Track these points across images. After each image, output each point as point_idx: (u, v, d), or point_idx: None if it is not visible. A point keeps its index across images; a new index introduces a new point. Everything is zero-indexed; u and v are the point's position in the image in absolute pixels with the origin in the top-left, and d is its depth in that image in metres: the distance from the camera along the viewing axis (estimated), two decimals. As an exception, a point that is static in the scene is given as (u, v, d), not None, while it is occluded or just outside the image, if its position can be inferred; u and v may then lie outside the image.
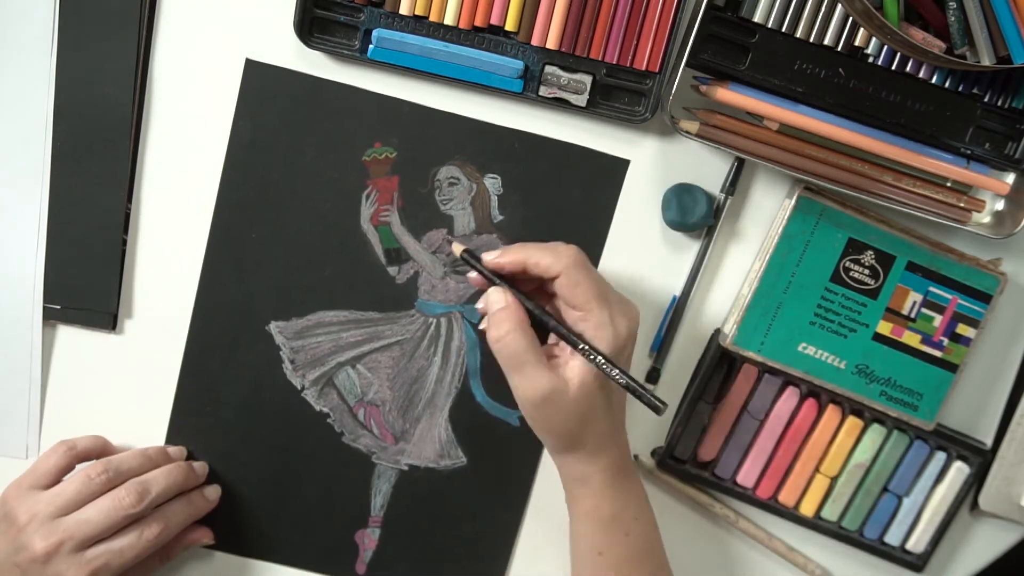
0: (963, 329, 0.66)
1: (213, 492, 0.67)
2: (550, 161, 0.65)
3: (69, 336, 0.66)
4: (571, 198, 0.66)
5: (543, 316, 0.57)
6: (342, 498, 0.69)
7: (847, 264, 0.65)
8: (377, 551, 0.70)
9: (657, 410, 0.56)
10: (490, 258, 0.59)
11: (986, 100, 0.62)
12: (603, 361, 0.56)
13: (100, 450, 0.65)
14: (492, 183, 0.66)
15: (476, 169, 0.65)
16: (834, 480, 0.69)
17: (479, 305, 0.59)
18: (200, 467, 0.67)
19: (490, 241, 0.66)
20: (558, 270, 0.56)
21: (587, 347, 0.56)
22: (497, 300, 0.58)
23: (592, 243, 0.67)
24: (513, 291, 0.58)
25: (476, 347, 0.68)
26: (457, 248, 0.61)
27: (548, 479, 0.70)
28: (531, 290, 0.60)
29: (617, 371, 0.56)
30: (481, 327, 0.59)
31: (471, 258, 0.60)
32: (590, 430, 0.58)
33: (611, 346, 0.56)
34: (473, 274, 0.60)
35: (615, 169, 0.66)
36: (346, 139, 0.64)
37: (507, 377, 0.57)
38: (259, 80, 0.63)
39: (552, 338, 0.59)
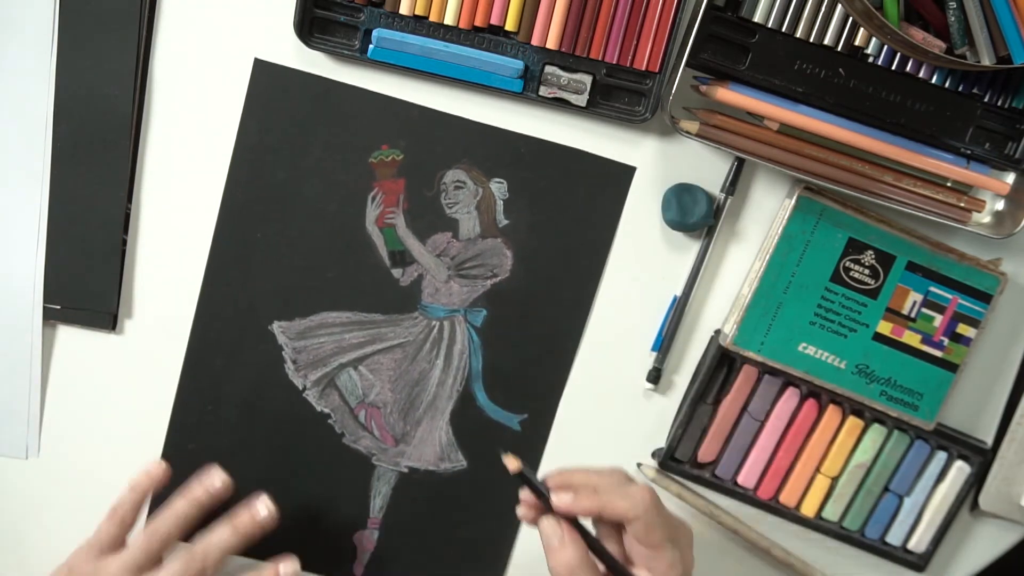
0: (963, 329, 0.66)
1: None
2: (556, 167, 0.65)
3: (69, 336, 0.66)
4: (576, 204, 0.66)
5: (610, 557, 0.55)
6: (341, 499, 0.69)
7: (847, 264, 0.65)
8: (375, 553, 0.70)
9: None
10: (562, 503, 0.54)
11: (986, 100, 0.62)
12: None
13: (142, 497, 0.62)
14: (498, 187, 0.66)
15: (482, 173, 0.65)
16: (835, 480, 0.69)
17: (541, 526, 0.55)
18: (264, 505, 0.63)
19: (495, 245, 0.66)
20: (636, 515, 0.54)
21: None
22: (555, 535, 0.54)
23: (597, 249, 0.67)
24: (569, 525, 0.54)
25: (478, 350, 0.68)
26: (513, 464, 0.54)
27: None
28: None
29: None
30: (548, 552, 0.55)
31: (532, 480, 0.55)
32: None
33: None
34: (525, 494, 0.56)
35: (621, 176, 0.66)
36: (353, 141, 0.64)
37: None
38: (267, 80, 0.63)
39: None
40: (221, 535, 0.60)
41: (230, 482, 0.63)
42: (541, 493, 0.55)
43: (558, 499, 0.54)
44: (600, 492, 0.55)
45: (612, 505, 0.54)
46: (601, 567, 0.55)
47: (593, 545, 0.55)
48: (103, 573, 0.58)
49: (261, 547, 0.70)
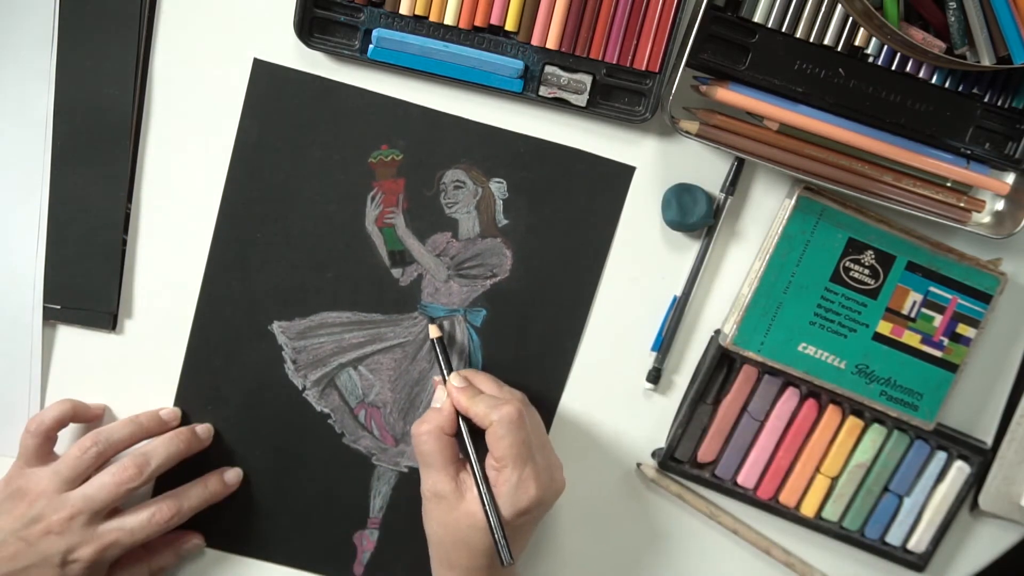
0: (963, 329, 0.66)
1: (233, 476, 0.68)
2: (556, 166, 0.65)
3: (69, 336, 0.66)
4: (576, 204, 0.66)
5: (468, 445, 0.60)
6: (341, 499, 0.69)
7: (847, 264, 0.65)
8: (375, 552, 0.70)
9: (502, 561, 0.58)
10: (452, 382, 0.62)
11: (986, 100, 0.62)
12: (492, 524, 0.58)
13: (71, 415, 0.64)
14: (498, 187, 0.66)
15: (482, 173, 0.65)
16: (835, 480, 0.69)
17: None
18: (204, 430, 0.67)
19: (494, 245, 0.66)
20: (488, 423, 0.59)
21: (484, 492, 0.58)
22: (437, 398, 0.63)
23: (596, 249, 0.67)
24: (451, 399, 0.62)
25: (478, 350, 0.68)
26: (434, 332, 0.65)
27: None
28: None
29: (494, 519, 0.58)
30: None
31: (439, 352, 0.64)
32: (464, 559, 0.60)
33: (508, 508, 0.58)
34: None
35: (620, 175, 0.66)
36: (353, 140, 0.64)
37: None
38: (267, 80, 0.63)
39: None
40: (167, 446, 0.64)
41: (178, 414, 0.67)
42: (444, 367, 0.63)
43: (452, 378, 0.62)
44: (477, 396, 0.61)
45: (476, 407, 0.60)
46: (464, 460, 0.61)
47: (464, 438, 0.61)
48: (36, 484, 0.61)
49: (259, 546, 0.70)
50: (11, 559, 0.59)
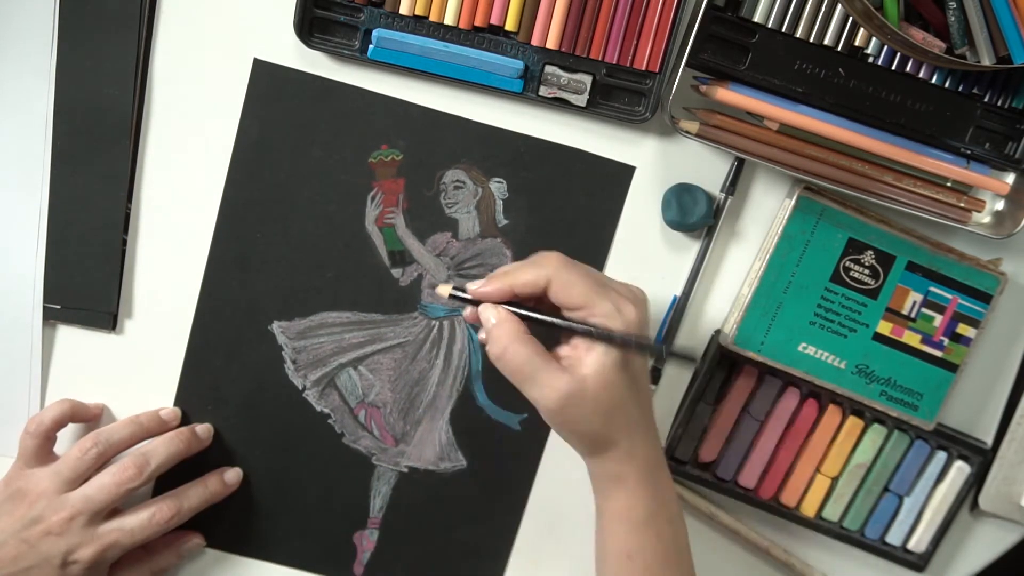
0: (963, 329, 0.66)
1: (233, 476, 0.68)
2: (556, 166, 0.65)
3: (69, 336, 0.66)
4: (576, 203, 0.66)
5: (545, 316, 0.56)
6: (341, 499, 0.69)
7: (847, 264, 0.65)
8: (375, 553, 0.70)
9: (694, 360, 0.54)
10: (474, 287, 0.57)
11: (986, 100, 0.62)
12: (621, 336, 0.53)
13: (70, 416, 0.65)
14: (497, 187, 0.66)
15: (482, 173, 0.65)
16: (835, 480, 0.69)
17: (480, 335, 0.58)
18: (203, 430, 0.67)
19: (494, 245, 0.66)
20: (546, 278, 0.55)
21: (599, 330, 0.54)
22: (488, 317, 0.56)
23: (597, 249, 0.67)
24: (504, 306, 0.56)
25: (478, 350, 0.68)
26: (444, 290, 0.58)
27: (547, 483, 0.70)
28: (531, 307, 0.58)
29: (636, 339, 0.53)
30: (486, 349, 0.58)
31: (459, 292, 0.58)
32: (619, 426, 0.56)
33: (622, 330, 0.54)
34: (468, 310, 0.58)
35: (620, 175, 0.66)
36: (353, 140, 0.64)
37: (523, 392, 0.55)
38: (267, 80, 0.63)
39: (559, 343, 0.57)
40: (167, 446, 0.64)
41: (179, 414, 0.67)
42: (469, 300, 0.57)
43: (474, 286, 0.57)
44: (509, 271, 0.56)
45: (521, 277, 0.55)
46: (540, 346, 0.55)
47: (531, 320, 0.56)
48: (36, 485, 0.61)
49: (260, 546, 0.70)
50: (12, 560, 0.59)
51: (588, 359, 0.54)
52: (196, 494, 0.65)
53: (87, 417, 0.66)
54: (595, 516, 0.60)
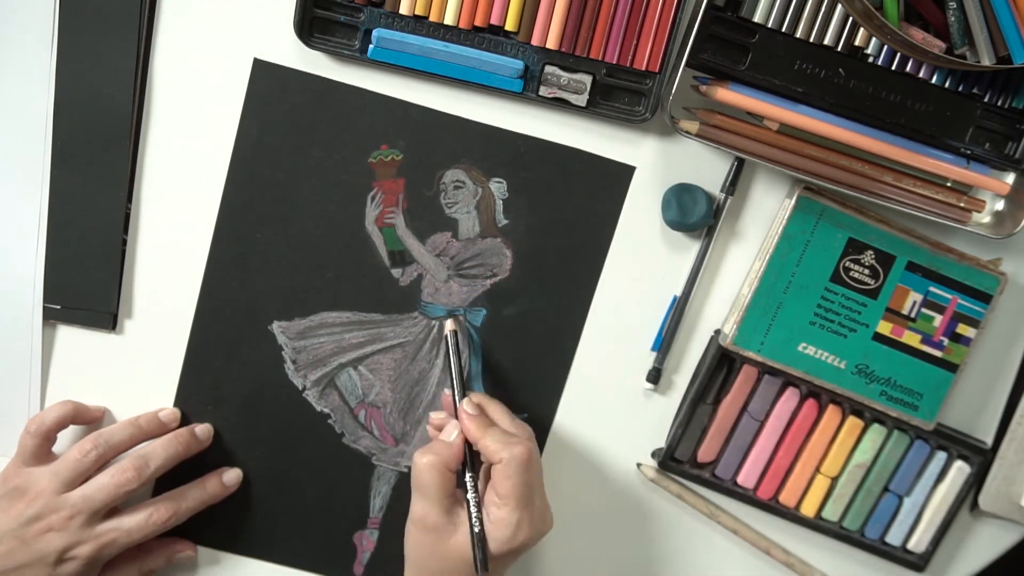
0: (963, 329, 0.66)
1: (232, 477, 0.68)
2: (556, 166, 0.65)
3: (69, 336, 0.66)
4: (576, 203, 0.66)
5: (469, 480, 0.60)
6: (341, 499, 0.69)
7: (847, 264, 0.65)
8: (375, 553, 0.70)
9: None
10: (465, 408, 0.62)
11: (986, 100, 0.62)
12: (477, 544, 0.58)
13: (71, 417, 0.65)
14: (497, 187, 0.66)
15: (482, 173, 0.65)
16: (835, 480, 0.69)
17: (430, 427, 0.66)
18: (203, 431, 0.67)
19: (494, 245, 0.66)
20: (497, 460, 0.58)
21: (477, 533, 0.58)
22: (446, 434, 0.61)
23: (596, 249, 0.67)
24: (464, 440, 0.61)
25: (478, 351, 0.68)
26: (450, 325, 0.64)
27: (547, 483, 0.69)
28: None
29: (480, 557, 0.57)
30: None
31: (452, 355, 0.64)
32: None
33: (500, 546, 0.58)
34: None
35: (620, 175, 0.66)
36: (353, 140, 0.64)
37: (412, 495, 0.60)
38: (267, 80, 0.63)
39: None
40: (166, 448, 0.64)
41: (178, 415, 0.67)
42: (456, 378, 0.63)
43: (464, 404, 0.62)
44: (489, 428, 0.60)
45: (488, 441, 0.59)
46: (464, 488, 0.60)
47: (467, 474, 0.60)
48: (35, 483, 0.61)
49: (259, 546, 0.70)
50: (5, 556, 0.59)
51: (462, 531, 0.59)
52: (194, 496, 0.65)
53: (88, 419, 0.66)
54: None
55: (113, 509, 0.62)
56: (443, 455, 0.60)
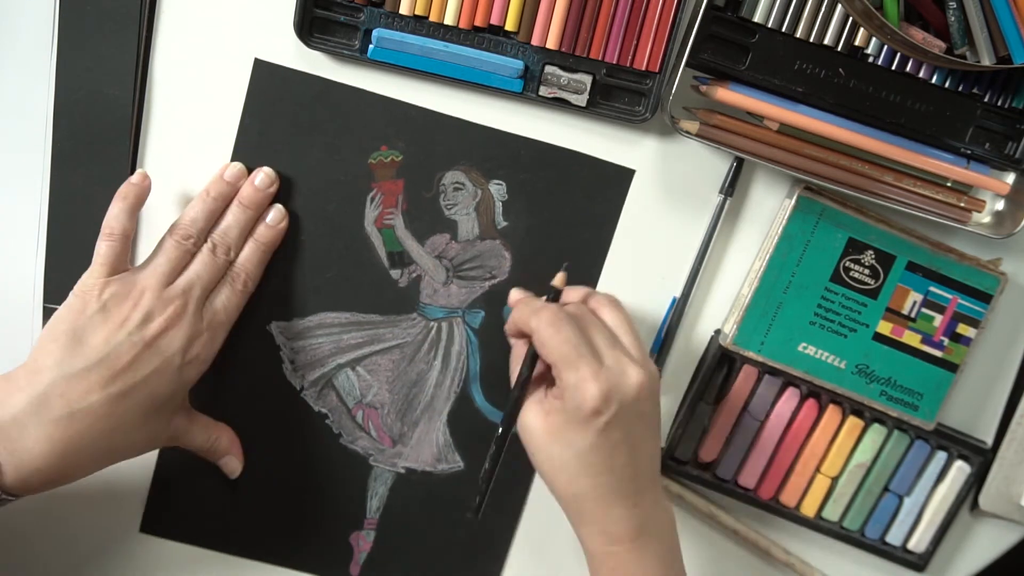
0: (963, 329, 0.66)
1: (276, 216, 0.63)
2: (555, 168, 0.65)
3: (68, 337, 0.66)
4: (575, 206, 0.66)
5: (526, 367, 0.58)
6: (338, 499, 0.69)
7: (847, 264, 0.65)
8: (371, 553, 0.70)
9: (467, 511, 0.56)
10: (513, 294, 0.65)
11: (986, 100, 0.62)
12: (488, 466, 0.57)
13: (133, 201, 0.60)
14: (497, 189, 0.66)
15: (481, 175, 0.65)
16: (835, 480, 0.69)
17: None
18: (262, 180, 0.63)
19: (493, 247, 0.66)
20: (530, 329, 0.56)
21: (499, 436, 0.56)
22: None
23: (595, 252, 0.67)
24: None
25: (476, 352, 0.68)
26: (560, 280, 0.60)
27: (544, 485, 0.69)
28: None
29: (493, 450, 0.56)
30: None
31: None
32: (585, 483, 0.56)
33: (574, 414, 0.54)
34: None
35: (620, 178, 0.66)
36: (352, 141, 0.64)
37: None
38: (267, 80, 0.63)
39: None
40: (237, 219, 0.62)
41: (243, 171, 0.63)
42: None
43: (513, 292, 0.64)
44: (528, 301, 0.60)
45: (519, 312, 0.58)
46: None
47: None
48: (134, 284, 0.58)
49: (256, 547, 0.70)
50: (129, 367, 0.55)
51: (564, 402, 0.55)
52: (253, 254, 0.63)
53: (142, 192, 0.61)
54: None
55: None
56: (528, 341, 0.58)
